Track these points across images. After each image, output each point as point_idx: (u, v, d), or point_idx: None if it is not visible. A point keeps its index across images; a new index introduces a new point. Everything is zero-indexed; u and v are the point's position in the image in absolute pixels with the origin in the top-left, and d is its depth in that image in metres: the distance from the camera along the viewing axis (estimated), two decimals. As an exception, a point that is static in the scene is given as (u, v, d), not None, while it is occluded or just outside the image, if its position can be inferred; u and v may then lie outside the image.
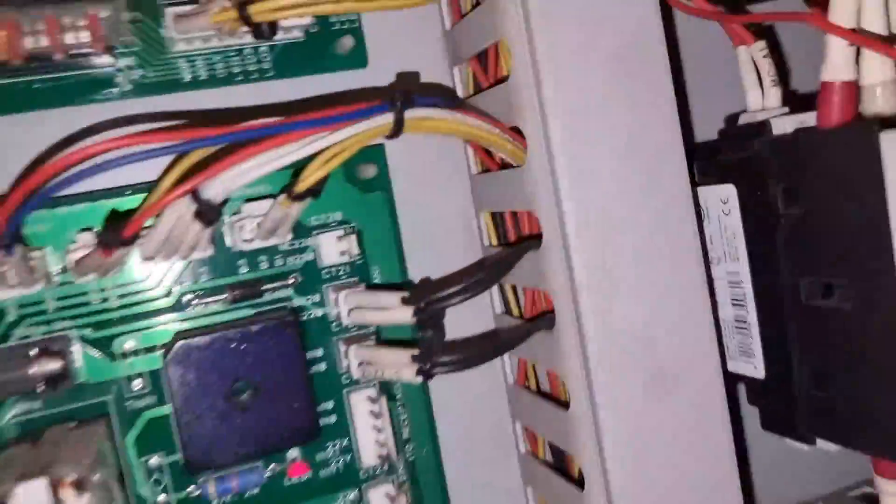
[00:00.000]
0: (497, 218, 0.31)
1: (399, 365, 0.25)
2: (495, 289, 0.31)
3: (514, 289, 0.31)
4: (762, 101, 0.27)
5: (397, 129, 0.23)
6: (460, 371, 0.24)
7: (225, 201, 0.23)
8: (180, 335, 0.25)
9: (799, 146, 0.24)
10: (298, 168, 0.24)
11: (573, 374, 0.25)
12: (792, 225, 0.25)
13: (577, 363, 0.25)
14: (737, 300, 0.28)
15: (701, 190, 0.29)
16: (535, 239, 0.26)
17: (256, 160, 0.22)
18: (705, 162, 0.29)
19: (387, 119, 0.23)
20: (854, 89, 0.23)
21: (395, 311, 0.25)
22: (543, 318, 0.26)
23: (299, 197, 0.23)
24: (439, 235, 0.31)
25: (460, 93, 0.31)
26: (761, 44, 0.27)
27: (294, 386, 0.25)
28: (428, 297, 0.24)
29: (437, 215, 0.31)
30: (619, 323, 0.24)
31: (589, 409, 0.24)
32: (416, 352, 0.25)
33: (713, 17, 0.27)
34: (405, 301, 0.25)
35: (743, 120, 0.27)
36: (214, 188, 0.22)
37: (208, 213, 0.22)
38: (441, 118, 0.24)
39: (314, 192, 0.24)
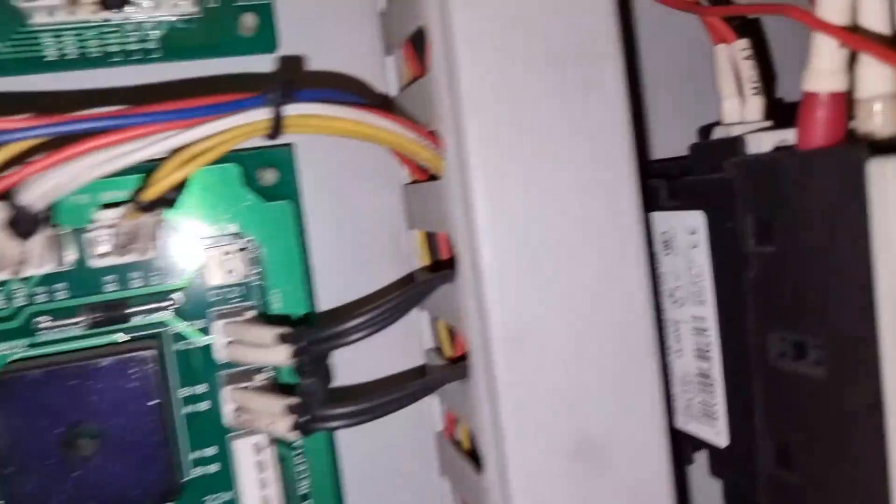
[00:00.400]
0: (431, 236, 0.27)
1: (272, 415, 0.21)
2: (427, 321, 0.28)
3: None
4: (741, 112, 0.23)
5: (276, 129, 0.20)
6: (346, 427, 0.21)
7: (50, 208, 0.19)
8: (16, 364, 0.22)
9: (774, 170, 0.20)
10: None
11: (485, 434, 0.21)
12: (762, 266, 0.21)
13: (488, 423, 0.21)
14: (701, 351, 0.24)
15: (666, 216, 0.25)
16: (451, 268, 0.22)
17: (87, 160, 0.18)
18: (673, 182, 0.25)
19: (261, 115, 0.20)
20: (844, 102, 0.19)
21: (270, 350, 0.21)
22: (458, 366, 0.22)
23: (147, 207, 0.20)
24: (361, 256, 0.28)
25: (395, 86, 0.27)
26: (743, 42, 0.23)
27: (149, 433, 0.22)
28: (310, 336, 0.21)
29: (359, 231, 0.27)
30: (541, 379, 0.20)
31: (500, 477, 0.21)
32: (293, 401, 0.21)
33: (688, 8, 0.24)
34: (283, 338, 0.21)
35: (716, 134, 0.24)
36: (32, 192, 0.18)
37: (24, 223, 0.18)
38: (333, 116, 0.20)
39: (167, 201, 0.20)
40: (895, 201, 0.17)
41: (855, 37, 0.18)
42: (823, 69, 0.19)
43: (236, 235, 0.25)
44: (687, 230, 0.24)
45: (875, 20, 0.19)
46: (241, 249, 0.25)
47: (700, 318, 0.24)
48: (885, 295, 0.17)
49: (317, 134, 0.21)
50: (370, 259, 0.27)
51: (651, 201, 0.26)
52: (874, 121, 0.20)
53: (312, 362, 0.21)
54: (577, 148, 0.20)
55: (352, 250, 0.27)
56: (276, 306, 0.25)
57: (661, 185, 0.25)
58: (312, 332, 0.21)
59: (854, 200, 0.17)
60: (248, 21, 0.24)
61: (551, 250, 0.20)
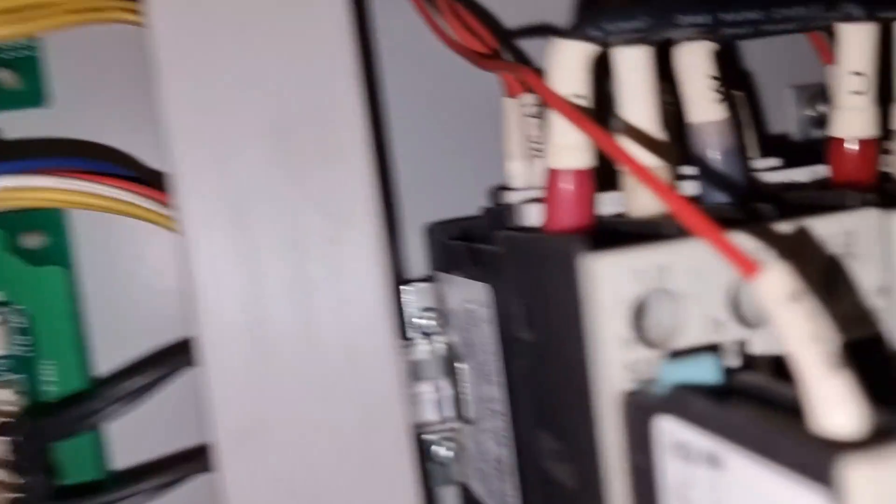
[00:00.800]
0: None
1: (-6, 513, 0.20)
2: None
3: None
4: (528, 175, 0.22)
5: (-27, 207, 0.19)
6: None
7: None
8: None
9: (525, 249, 0.19)
10: None
11: (227, 538, 0.20)
12: (527, 355, 0.20)
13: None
14: (497, 435, 0.23)
15: (467, 283, 0.24)
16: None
17: None
18: (472, 247, 0.24)
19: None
20: (589, 180, 0.18)
21: (-12, 443, 0.20)
22: (203, 457, 0.21)
23: None
24: (151, 322, 0.26)
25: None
26: (529, 97, 0.22)
27: None
28: (28, 429, 0.20)
29: (150, 294, 0.27)
30: (272, 482, 0.19)
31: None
32: (16, 496, 0.20)
33: (473, 60, 0.23)
34: (3, 430, 0.20)
35: (501, 198, 0.23)
36: None
37: None
38: (36, 187, 0.19)
39: None
40: (607, 302, 0.16)
41: (580, 116, 0.16)
42: (563, 144, 0.18)
43: (1, 305, 0.24)
44: (480, 302, 0.23)
45: (629, 89, 0.18)
46: (2, 322, 0.24)
47: (493, 399, 0.23)
48: (604, 405, 0.16)
49: (31, 207, 0.20)
50: (156, 322, 0.26)
51: (456, 265, 0.25)
52: (639, 194, 0.19)
53: (33, 457, 0.20)
54: (309, 220, 0.19)
55: (135, 314, 0.26)
56: (50, 378, 0.25)
57: (463, 248, 0.24)
58: (32, 425, 0.20)
59: (572, 296, 0.16)
60: (4, 77, 0.23)
61: (283, 337, 0.19)
